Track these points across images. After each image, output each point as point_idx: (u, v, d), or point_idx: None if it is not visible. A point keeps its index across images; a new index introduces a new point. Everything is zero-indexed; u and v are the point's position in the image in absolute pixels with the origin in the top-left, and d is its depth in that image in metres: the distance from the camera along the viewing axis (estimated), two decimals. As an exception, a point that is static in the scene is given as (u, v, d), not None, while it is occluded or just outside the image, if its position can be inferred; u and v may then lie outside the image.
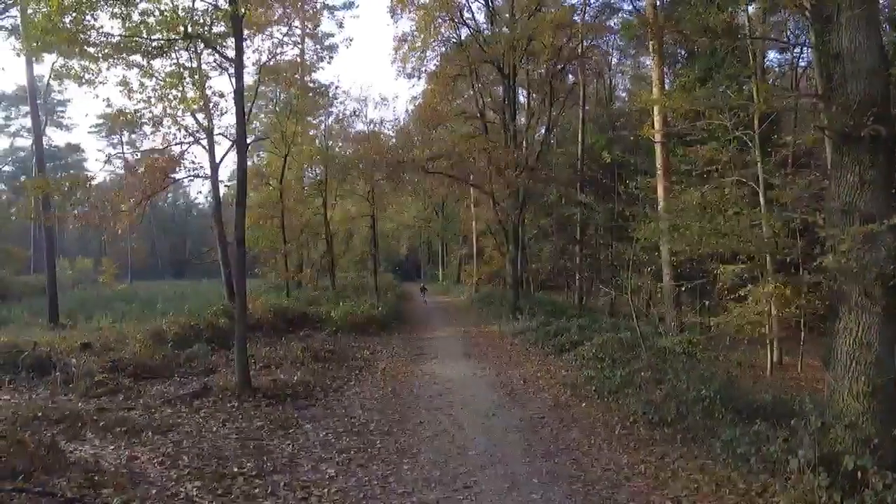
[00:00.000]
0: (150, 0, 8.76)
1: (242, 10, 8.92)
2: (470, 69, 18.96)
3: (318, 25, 16.56)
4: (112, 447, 6.46)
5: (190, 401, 8.47)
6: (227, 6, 8.85)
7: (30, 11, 8.75)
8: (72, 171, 51.04)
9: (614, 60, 26.59)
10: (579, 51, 18.77)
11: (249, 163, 25.20)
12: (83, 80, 9.18)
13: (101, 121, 52.65)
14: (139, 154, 16.70)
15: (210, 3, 8.90)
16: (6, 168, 55.18)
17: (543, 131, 20.26)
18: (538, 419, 7.63)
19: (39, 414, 7.17)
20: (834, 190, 4.78)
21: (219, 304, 16.94)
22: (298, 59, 19.10)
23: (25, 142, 51.39)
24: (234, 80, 9.08)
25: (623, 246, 10.67)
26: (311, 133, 23.14)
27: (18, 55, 14.75)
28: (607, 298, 20.47)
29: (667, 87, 14.88)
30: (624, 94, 29.28)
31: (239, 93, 8.99)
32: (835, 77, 4.71)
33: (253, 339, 12.77)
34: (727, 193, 10.03)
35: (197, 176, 16.65)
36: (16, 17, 30.74)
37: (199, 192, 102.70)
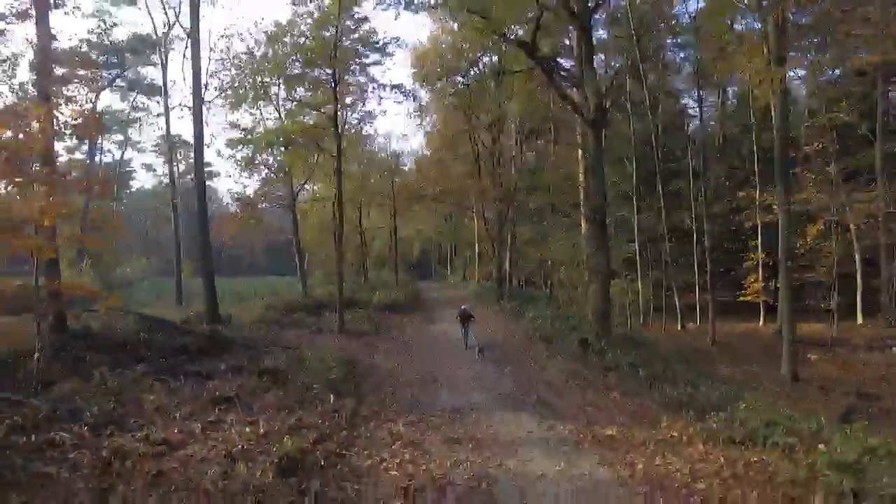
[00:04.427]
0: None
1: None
2: (468, 123, 26.72)
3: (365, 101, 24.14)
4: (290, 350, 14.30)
5: (314, 336, 16.30)
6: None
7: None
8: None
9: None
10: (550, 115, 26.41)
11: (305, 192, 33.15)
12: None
13: (158, 141, 61.53)
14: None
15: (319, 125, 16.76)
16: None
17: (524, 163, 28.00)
18: (498, 345, 15.34)
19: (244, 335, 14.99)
20: (587, 235, 12.55)
21: (296, 292, 25.01)
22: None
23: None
24: (337, 161, 16.90)
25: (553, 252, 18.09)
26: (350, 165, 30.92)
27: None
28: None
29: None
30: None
31: (338, 170, 16.82)
32: (590, 193, 12.47)
33: (325, 311, 20.63)
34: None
35: (282, 205, 24.50)
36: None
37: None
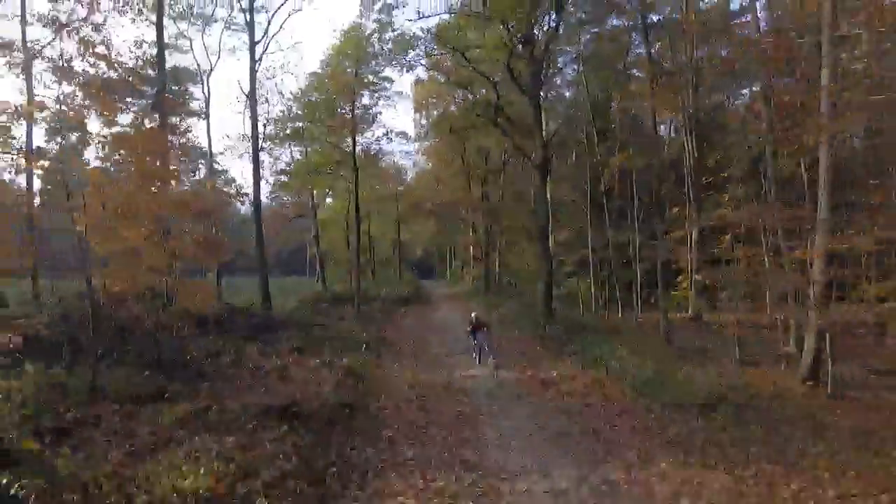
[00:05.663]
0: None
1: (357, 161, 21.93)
2: (459, 146, 31.89)
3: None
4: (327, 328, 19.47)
5: (338, 321, 21.40)
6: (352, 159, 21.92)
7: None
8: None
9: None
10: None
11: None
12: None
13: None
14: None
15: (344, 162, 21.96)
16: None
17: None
18: (473, 325, 20.47)
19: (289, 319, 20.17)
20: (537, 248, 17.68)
21: (315, 289, 30.20)
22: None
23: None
24: (354, 185, 22.06)
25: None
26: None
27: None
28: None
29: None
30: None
31: (355, 192, 21.96)
32: (538, 217, 17.59)
33: (343, 304, 25.78)
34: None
35: (302, 216, 29.70)
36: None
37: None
